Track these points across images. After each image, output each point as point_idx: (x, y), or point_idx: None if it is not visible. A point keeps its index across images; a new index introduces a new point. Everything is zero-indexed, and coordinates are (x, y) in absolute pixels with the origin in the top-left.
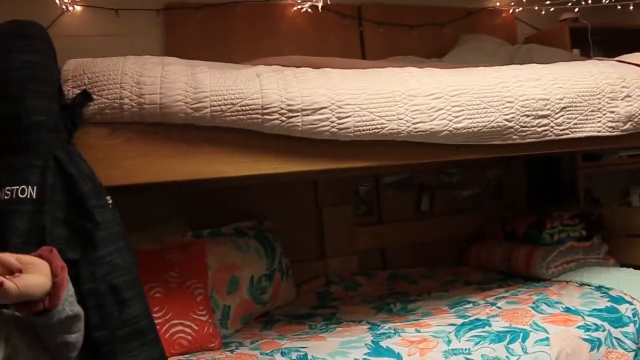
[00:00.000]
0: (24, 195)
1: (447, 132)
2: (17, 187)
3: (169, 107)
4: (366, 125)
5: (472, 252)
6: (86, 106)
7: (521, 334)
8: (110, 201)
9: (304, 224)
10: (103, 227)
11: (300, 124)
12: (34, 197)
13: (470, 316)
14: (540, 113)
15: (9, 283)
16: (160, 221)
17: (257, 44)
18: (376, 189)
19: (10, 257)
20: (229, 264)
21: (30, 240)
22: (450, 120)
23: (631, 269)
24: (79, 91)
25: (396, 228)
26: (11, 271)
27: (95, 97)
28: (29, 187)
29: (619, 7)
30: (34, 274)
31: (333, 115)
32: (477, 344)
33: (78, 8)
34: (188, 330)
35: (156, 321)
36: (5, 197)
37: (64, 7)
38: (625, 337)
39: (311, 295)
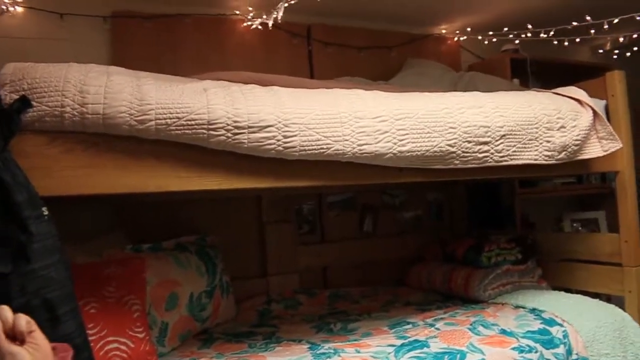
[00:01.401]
0: None
1: (392, 154)
2: None
3: (113, 118)
4: (312, 145)
5: (413, 272)
6: (24, 113)
7: (458, 355)
8: (46, 212)
9: (246, 241)
10: (37, 239)
11: (246, 141)
12: None
13: (409, 337)
14: (481, 140)
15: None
16: (99, 234)
17: (205, 57)
18: (319, 208)
19: (22, 322)
20: (168, 280)
21: None
22: (395, 144)
23: (562, 292)
24: (17, 97)
25: (339, 247)
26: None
27: (34, 103)
28: None
29: (555, 42)
30: (32, 349)
31: (279, 133)
32: None
33: (19, 9)
34: (124, 347)
35: (90, 338)
36: None
37: (3, 7)
38: (556, 358)
39: (252, 313)
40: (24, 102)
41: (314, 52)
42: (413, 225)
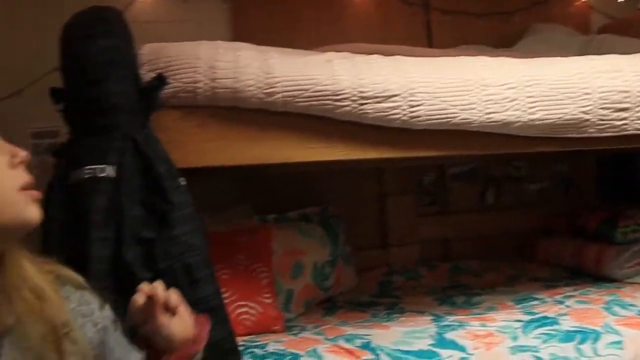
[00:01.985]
0: (103, 175)
1: (521, 123)
2: (98, 166)
3: (242, 91)
4: (438, 114)
5: (539, 247)
6: (161, 90)
7: (592, 335)
8: (183, 183)
9: (367, 212)
10: (177, 208)
11: (371, 111)
12: (113, 176)
13: (537, 313)
14: (619, 106)
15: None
16: (227, 205)
17: (322, 31)
18: (441, 180)
19: (174, 296)
20: (293, 249)
21: (109, 218)
22: (524, 111)
23: None
24: (155, 75)
25: (460, 219)
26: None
27: (170, 80)
28: (108, 166)
29: None
30: (180, 321)
31: (405, 103)
32: (545, 341)
33: None
34: (253, 312)
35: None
36: (86, 176)
37: None
38: None
39: (373, 283)
40: (161, 80)
41: (431, 21)
42: (538, 198)
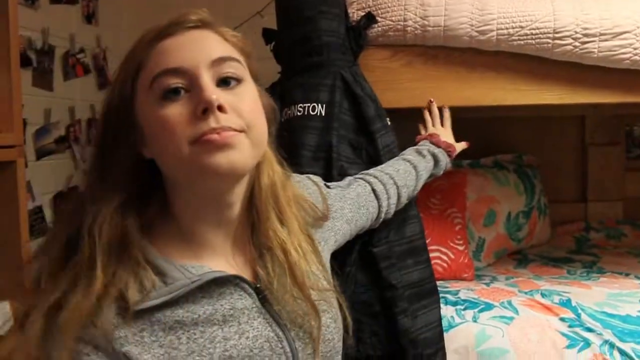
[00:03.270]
0: (314, 113)
1: None
2: (309, 104)
3: (454, 29)
4: None
5: None
6: (370, 28)
7: None
8: (389, 123)
9: (566, 163)
10: (386, 150)
11: (596, 50)
12: (323, 114)
13: None
14: None
15: None
16: None
17: None
18: None
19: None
20: (487, 197)
21: (318, 155)
22: None
23: None
24: (364, 13)
25: None
26: None
27: (379, 19)
28: (319, 104)
29: None
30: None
31: (637, 40)
32: None
33: None
34: (445, 257)
35: None
36: (298, 114)
37: None
38: None
39: (568, 238)
40: (370, 18)
41: None
42: None
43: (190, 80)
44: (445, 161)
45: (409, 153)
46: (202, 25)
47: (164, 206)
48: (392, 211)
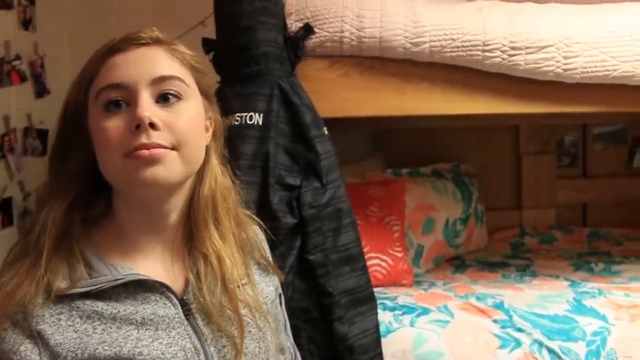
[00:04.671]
0: (252, 122)
1: None
2: (246, 113)
3: (389, 41)
4: (596, 67)
5: None
6: (308, 39)
7: None
8: (326, 132)
9: (502, 172)
10: (324, 157)
11: (522, 62)
12: (260, 123)
13: None
14: None
15: None
16: (359, 157)
17: None
18: (583, 140)
19: None
20: (426, 204)
21: (255, 164)
22: None
23: None
24: (302, 24)
25: (602, 183)
26: None
27: (316, 30)
28: (257, 114)
29: None
30: None
31: (559, 54)
32: None
33: None
34: (384, 264)
35: None
36: (235, 123)
37: None
38: None
39: (504, 244)
40: (307, 29)
41: None
42: None
43: (130, 95)
44: None
45: None
46: (153, 42)
47: (109, 206)
48: None
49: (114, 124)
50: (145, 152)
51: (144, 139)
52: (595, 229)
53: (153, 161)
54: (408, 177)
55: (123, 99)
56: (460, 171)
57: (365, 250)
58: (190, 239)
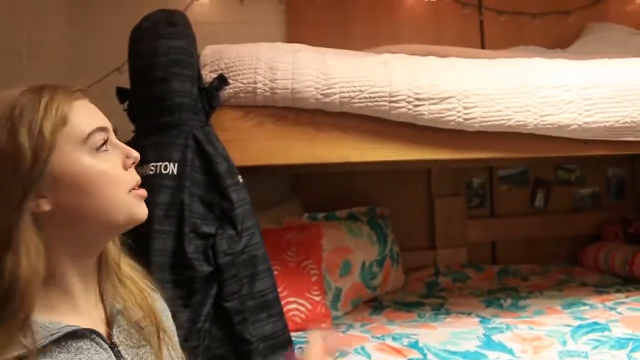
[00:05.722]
0: (166, 172)
1: (577, 126)
2: (161, 163)
3: (300, 92)
4: (493, 116)
5: (589, 252)
6: (222, 90)
7: None
8: (241, 180)
9: (416, 213)
10: (238, 205)
11: (426, 112)
12: (175, 173)
13: (587, 319)
14: None
15: None
16: (277, 202)
17: (376, 30)
18: (490, 182)
19: None
20: (342, 248)
21: (170, 213)
22: (581, 114)
23: None
24: (216, 75)
25: (508, 222)
26: None
27: (231, 81)
28: (171, 163)
29: None
30: None
31: (460, 104)
32: (595, 347)
33: None
34: (302, 308)
35: None
36: (150, 172)
37: None
38: None
39: (420, 284)
40: (222, 80)
41: (485, 22)
42: (590, 203)
43: (109, 137)
44: None
45: None
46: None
47: None
48: None
49: (113, 163)
50: (142, 189)
51: (137, 176)
52: (504, 266)
53: (145, 196)
54: (324, 221)
55: (106, 141)
56: (375, 214)
57: (283, 295)
58: (102, 279)
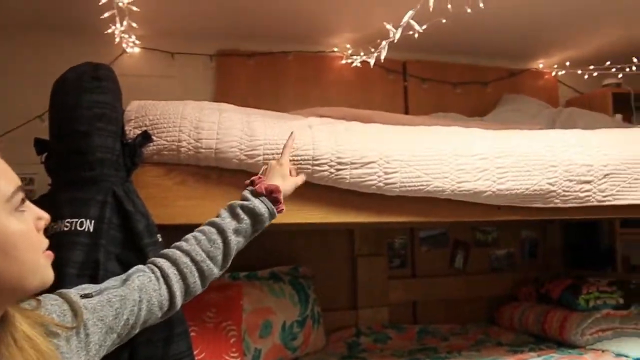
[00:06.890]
0: (82, 228)
1: (490, 192)
2: (77, 219)
3: (224, 152)
4: (412, 182)
5: (505, 312)
6: (146, 146)
7: None
8: (160, 239)
9: (338, 273)
10: None
11: (348, 176)
12: (91, 230)
13: None
14: (583, 179)
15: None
16: None
17: (304, 92)
18: (411, 243)
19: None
20: (263, 308)
21: (84, 272)
22: (494, 181)
23: None
24: (140, 132)
25: (429, 283)
26: None
27: (155, 138)
28: (88, 220)
29: None
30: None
31: (381, 170)
32: None
33: (137, 50)
34: None
35: None
36: (65, 229)
37: (125, 45)
38: None
39: (341, 344)
40: (146, 137)
41: (409, 88)
42: (505, 263)
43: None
44: (266, 212)
45: (222, 214)
46: None
47: None
48: (197, 289)
49: (29, 225)
50: (52, 247)
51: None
52: (424, 326)
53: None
54: (246, 281)
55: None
56: (298, 273)
57: (200, 357)
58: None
